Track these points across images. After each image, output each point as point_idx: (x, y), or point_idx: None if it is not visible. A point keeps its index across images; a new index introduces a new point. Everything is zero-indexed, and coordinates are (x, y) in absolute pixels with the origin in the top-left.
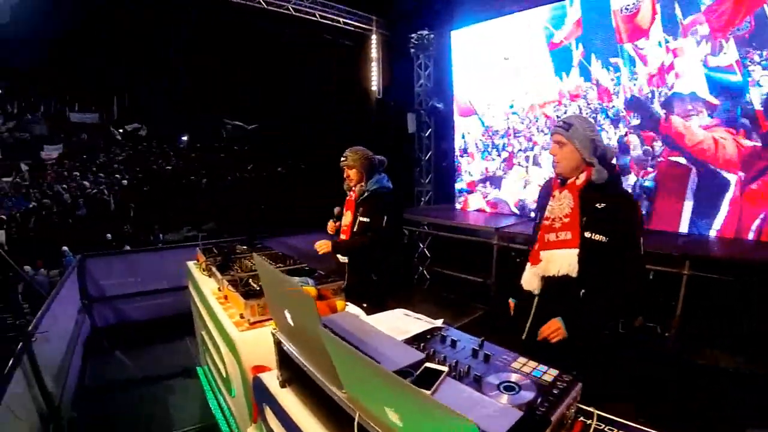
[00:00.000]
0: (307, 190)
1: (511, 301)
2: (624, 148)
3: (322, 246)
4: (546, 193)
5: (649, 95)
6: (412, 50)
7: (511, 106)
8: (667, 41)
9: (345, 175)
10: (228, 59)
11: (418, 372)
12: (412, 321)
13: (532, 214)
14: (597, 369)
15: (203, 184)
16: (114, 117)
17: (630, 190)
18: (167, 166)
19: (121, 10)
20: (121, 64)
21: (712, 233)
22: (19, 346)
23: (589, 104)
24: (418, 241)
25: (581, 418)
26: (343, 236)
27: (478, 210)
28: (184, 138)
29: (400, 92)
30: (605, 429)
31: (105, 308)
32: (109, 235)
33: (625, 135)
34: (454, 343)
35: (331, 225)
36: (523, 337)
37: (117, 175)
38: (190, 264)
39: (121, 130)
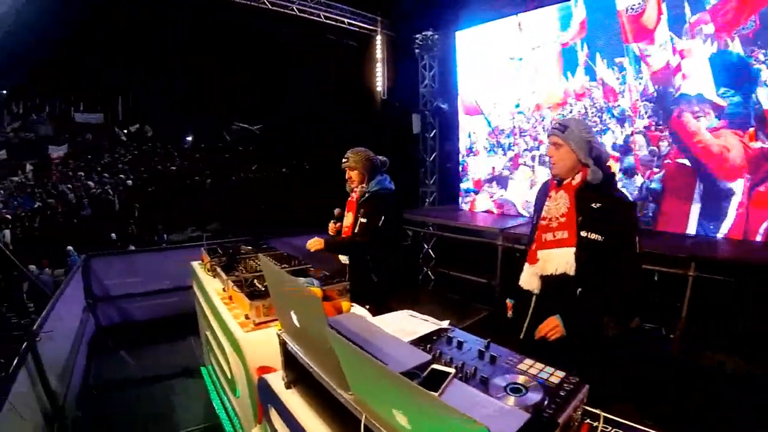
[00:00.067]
0: (311, 190)
1: (509, 302)
2: (630, 148)
3: (314, 244)
4: (543, 195)
5: (655, 94)
6: (417, 51)
7: (517, 105)
8: (672, 41)
9: (347, 177)
10: (232, 60)
11: (425, 374)
12: (418, 322)
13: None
14: (594, 368)
15: (208, 185)
16: (119, 117)
17: (637, 192)
18: (172, 166)
19: (125, 11)
20: (125, 65)
21: (720, 235)
22: (23, 346)
23: (594, 103)
24: (422, 241)
25: (588, 421)
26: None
27: (486, 211)
28: (189, 138)
29: (404, 93)
30: (611, 431)
31: (109, 308)
32: (113, 235)
33: (631, 135)
34: (460, 345)
35: (331, 226)
36: (521, 336)
37: (122, 176)
38: (195, 264)
39: (125, 131)
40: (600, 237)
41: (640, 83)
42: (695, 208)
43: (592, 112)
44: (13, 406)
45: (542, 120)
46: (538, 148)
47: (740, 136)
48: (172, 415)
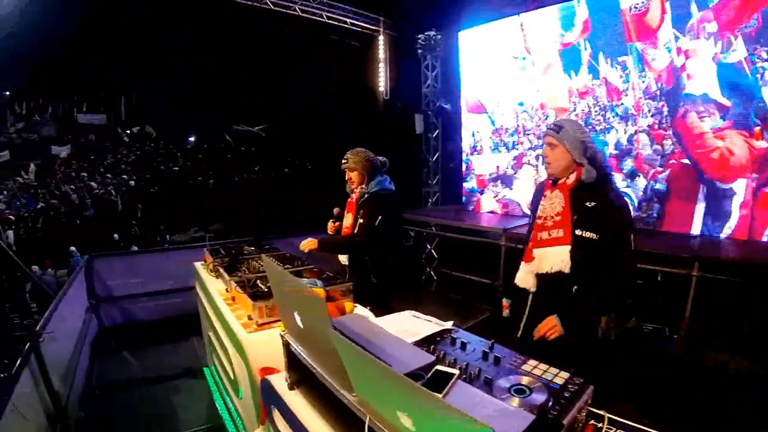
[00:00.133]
0: (313, 190)
1: (505, 301)
2: (633, 147)
3: (308, 244)
4: (539, 194)
5: (658, 93)
6: (420, 51)
7: (521, 104)
8: (677, 39)
9: (347, 178)
10: (235, 60)
11: (429, 375)
12: (422, 323)
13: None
14: (590, 366)
15: (210, 185)
16: (122, 118)
17: (641, 192)
18: (174, 167)
19: (128, 12)
20: (128, 66)
21: (724, 235)
22: (26, 346)
23: (597, 102)
24: (425, 242)
25: (592, 422)
26: None
27: (490, 212)
28: (192, 139)
29: (407, 93)
30: None
31: (112, 308)
32: (116, 236)
33: (635, 134)
34: (464, 346)
35: (330, 225)
36: (519, 335)
37: (124, 176)
38: (198, 265)
39: (128, 131)
40: (594, 235)
41: (643, 81)
42: (699, 208)
43: (596, 111)
44: (15, 406)
45: (546, 119)
46: (542, 146)
47: (745, 136)
48: (175, 415)
